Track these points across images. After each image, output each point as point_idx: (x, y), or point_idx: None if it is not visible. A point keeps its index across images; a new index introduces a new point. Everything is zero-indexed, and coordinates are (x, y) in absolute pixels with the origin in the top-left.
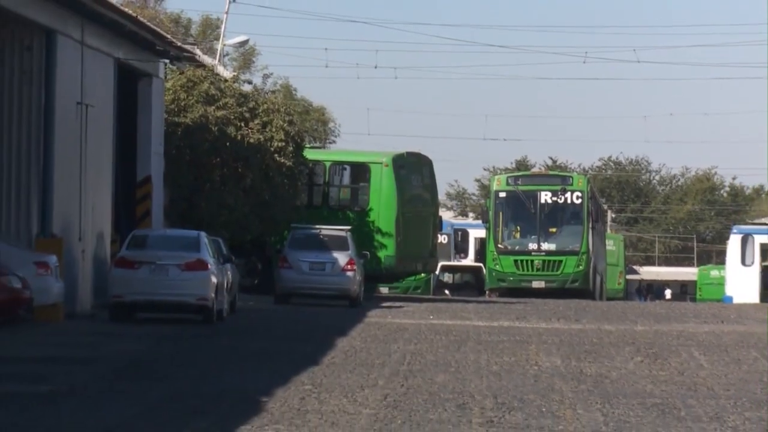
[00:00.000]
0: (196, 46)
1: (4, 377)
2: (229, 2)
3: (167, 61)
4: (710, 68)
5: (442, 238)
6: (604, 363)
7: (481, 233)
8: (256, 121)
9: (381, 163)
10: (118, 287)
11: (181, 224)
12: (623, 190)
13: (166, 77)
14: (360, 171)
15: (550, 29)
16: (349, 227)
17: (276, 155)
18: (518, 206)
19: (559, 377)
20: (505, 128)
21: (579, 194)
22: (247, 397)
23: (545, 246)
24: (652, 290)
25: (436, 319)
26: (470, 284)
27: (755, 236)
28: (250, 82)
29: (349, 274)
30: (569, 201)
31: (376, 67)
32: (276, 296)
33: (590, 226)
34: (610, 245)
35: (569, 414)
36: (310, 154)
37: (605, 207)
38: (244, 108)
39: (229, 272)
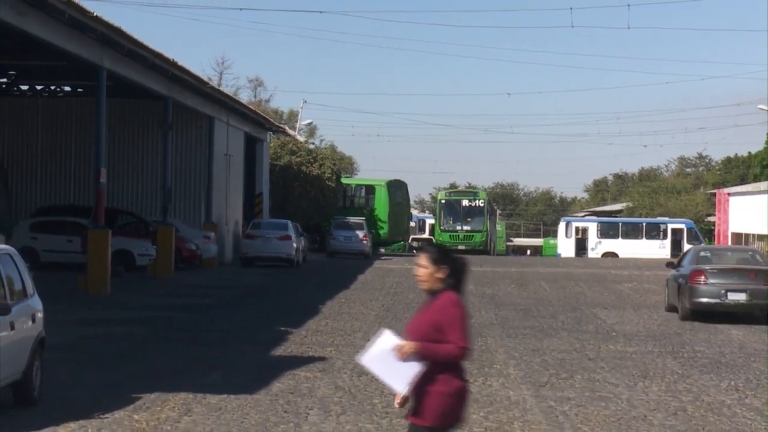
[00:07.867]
0: (285, 125)
1: (189, 295)
2: (303, 103)
3: (271, 132)
4: (549, 137)
5: (412, 224)
6: (494, 288)
7: (432, 221)
8: (316, 164)
9: (381, 185)
10: (245, 249)
11: (278, 217)
12: (505, 199)
13: (270, 141)
14: (370, 189)
15: (467, 116)
16: (364, 218)
17: (327, 181)
18: (451, 207)
19: (471, 295)
20: (445, 167)
21: (482, 201)
22: (312, 305)
23: (465, 228)
24: (520, 250)
25: (408, 265)
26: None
27: (573, 222)
28: (313, 143)
29: (365, 242)
30: (477, 205)
31: (378, 135)
32: (327, 254)
33: (488, 218)
34: (499, 227)
35: (477, 314)
36: (344, 180)
37: (496, 207)
38: (310, 157)
39: (302, 241)
